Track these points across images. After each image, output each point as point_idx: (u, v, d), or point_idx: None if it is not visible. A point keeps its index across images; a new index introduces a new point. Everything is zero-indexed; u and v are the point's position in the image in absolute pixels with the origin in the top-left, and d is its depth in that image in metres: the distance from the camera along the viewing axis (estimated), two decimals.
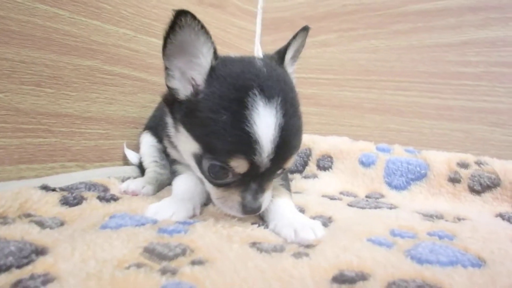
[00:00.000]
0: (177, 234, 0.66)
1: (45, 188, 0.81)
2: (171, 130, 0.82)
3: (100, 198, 0.84)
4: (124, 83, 1.11)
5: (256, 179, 0.70)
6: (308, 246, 0.65)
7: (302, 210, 0.87)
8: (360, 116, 1.41)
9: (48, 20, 0.93)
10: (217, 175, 0.71)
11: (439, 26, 1.27)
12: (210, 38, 0.69)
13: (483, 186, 0.96)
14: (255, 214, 0.74)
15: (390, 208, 0.90)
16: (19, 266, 0.53)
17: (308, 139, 1.28)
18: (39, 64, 0.93)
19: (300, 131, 0.75)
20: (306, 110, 1.49)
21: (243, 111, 0.65)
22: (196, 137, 0.72)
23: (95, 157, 1.08)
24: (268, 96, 0.67)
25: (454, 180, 0.99)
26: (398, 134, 1.34)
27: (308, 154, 1.22)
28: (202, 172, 0.73)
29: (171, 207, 0.78)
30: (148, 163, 1.01)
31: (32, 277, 0.50)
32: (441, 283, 0.52)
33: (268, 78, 0.71)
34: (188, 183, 0.84)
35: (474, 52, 1.22)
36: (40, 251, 0.57)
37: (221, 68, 0.71)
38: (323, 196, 1.00)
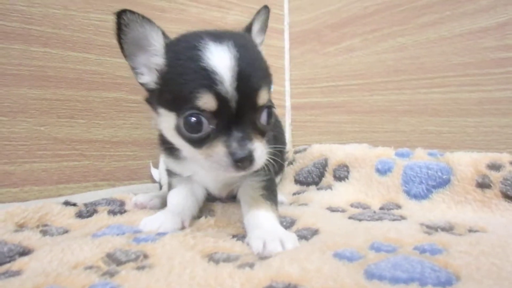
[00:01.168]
0: (144, 243, 0.69)
1: (67, 203, 0.93)
2: (156, 122, 0.82)
3: (110, 212, 0.93)
4: (148, 109, 1.21)
5: (237, 126, 0.66)
6: (263, 257, 0.61)
7: (292, 222, 0.83)
8: (393, 120, 1.28)
9: (78, 63, 1.10)
10: (192, 127, 0.67)
11: (470, 10, 1.10)
12: (154, 23, 0.72)
13: None
14: (249, 170, 0.68)
15: (394, 220, 0.79)
16: (2, 263, 0.63)
17: (325, 148, 1.20)
18: (72, 100, 1.10)
19: (263, 68, 0.73)
20: (338, 119, 1.46)
21: (197, 53, 0.66)
22: (170, 105, 0.71)
23: (124, 176, 1.20)
24: (219, 40, 0.68)
25: (482, 185, 0.82)
26: (438, 137, 1.17)
27: (324, 165, 1.14)
28: (183, 136, 0.69)
29: (159, 219, 0.82)
30: (164, 180, 1.06)
31: (5, 272, 0.59)
32: None
33: (219, 32, 0.73)
34: (179, 196, 0.87)
35: None
36: (25, 253, 0.67)
37: (175, 41, 0.74)
38: (327, 208, 0.93)
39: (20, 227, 0.82)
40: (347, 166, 1.09)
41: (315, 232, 0.75)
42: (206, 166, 0.70)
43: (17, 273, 0.58)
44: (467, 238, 0.63)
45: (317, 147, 1.25)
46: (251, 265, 0.56)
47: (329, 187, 1.07)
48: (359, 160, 1.06)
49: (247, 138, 0.66)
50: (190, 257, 0.62)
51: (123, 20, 0.70)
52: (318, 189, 1.10)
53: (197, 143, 0.69)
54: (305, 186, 1.17)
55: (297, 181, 1.20)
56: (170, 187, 0.91)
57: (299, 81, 1.65)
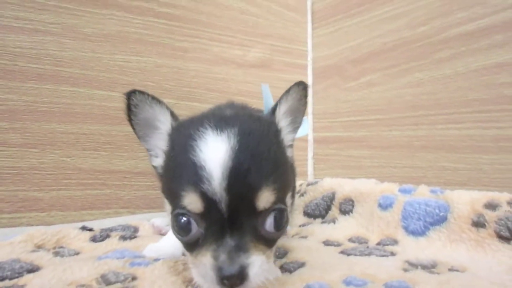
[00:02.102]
0: (138, 266, 0.78)
1: (84, 228, 1.06)
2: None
3: (121, 237, 1.04)
4: None
5: (232, 232, 0.57)
6: None
7: (285, 253, 0.88)
8: (410, 156, 1.30)
9: (103, 101, 1.26)
10: (181, 228, 0.60)
11: (485, 46, 1.13)
12: (164, 104, 0.70)
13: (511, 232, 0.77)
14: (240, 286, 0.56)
15: (382, 256, 0.82)
16: (11, 278, 0.74)
17: (335, 182, 1.23)
18: (96, 134, 1.26)
19: (271, 162, 0.61)
20: (358, 153, 1.51)
21: (191, 143, 0.60)
22: (167, 196, 0.67)
23: (143, 205, 1.32)
24: (221, 127, 0.61)
25: (477, 224, 0.82)
26: (454, 173, 1.17)
27: (331, 198, 1.18)
28: (174, 233, 0.64)
29: (162, 246, 0.90)
30: None
31: (12, 285, 0.70)
32: None
33: (228, 116, 0.68)
34: None
35: None
36: (33, 270, 0.78)
37: (179, 125, 0.70)
38: (323, 241, 0.96)
39: (38, 247, 0.95)
40: (352, 201, 1.12)
41: (301, 265, 0.79)
42: (193, 274, 0.61)
43: (21, 287, 0.69)
44: (440, 277, 0.65)
45: (328, 180, 1.29)
46: None
47: (333, 220, 1.11)
48: (364, 195, 1.09)
49: (241, 249, 0.56)
50: (172, 281, 0.70)
51: (132, 101, 0.68)
52: (322, 222, 1.14)
53: (187, 246, 0.62)
54: (312, 219, 1.21)
55: (306, 213, 1.25)
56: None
57: (322, 115, 1.72)
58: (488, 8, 1.13)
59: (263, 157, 0.60)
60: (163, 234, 1.07)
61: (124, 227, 1.14)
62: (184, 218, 0.59)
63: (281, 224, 0.61)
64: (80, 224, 1.09)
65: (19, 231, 1.01)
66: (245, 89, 1.57)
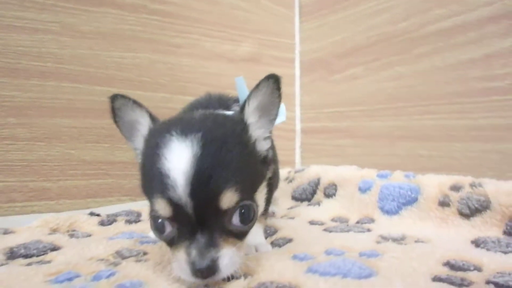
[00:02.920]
0: (147, 244, 0.93)
1: (92, 213, 1.20)
2: None
3: (127, 221, 1.18)
4: None
5: (203, 230, 0.64)
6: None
7: (275, 231, 1.03)
8: (391, 145, 1.46)
9: (102, 96, 1.31)
10: (157, 228, 0.69)
11: (460, 42, 1.27)
12: (144, 107, 0.77)
13: (471, 210, 0.93)
14: (212, 279, 0.64)
15: (359, 232, 0.98)
16: (37, 256, 0.87)
17: (320, 169, 1.41)
18: (98, 128, 1.38)
19: (235, 164, 0.67)
20: (343, 143, 1.66)
21: (157, 151, 0.66)
22: (145, 197, 0.73)
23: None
24: (185, 133, 0.66)
25: (443, 204, 0.99)
26: (429, 161, 1.34)
27: (317, 183, 1.35)
28: (153, 232, 0.73)
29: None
30: None
31: (39, 261, 0.84)
32: (302, 285, 0.65)
33: (194, 120, 0.73)
34: None
35: (499, 64, 1.18)
36: (55, 249, 0.91)
37: (154, 129, 0.75)
38: (309, 221, 1.12)
39: (53, 231, 1.08)
40: (335, 185, 1.29)
41: (288, 240, 0.94)
42: (173, 268, 0.68)
43: (47, 262, 0.82)
44: (406, 247, 0.81)
45: (314, 168, 1.47)
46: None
47: (318, 203, 1.28)
48: (346, 180, 1.25)
49: (211, 245, 0.64)
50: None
51: (115, 104, 0.77)
52: (308, 205, 1.31)
53: (165, 242, 0.71)
54: (299, 202, 1.38)
55: (293, 197, 1.42)
56: None
57: (309, 106, 1.88)
58: (464, 6, 1.27)
59: (225, 160, 0.66)
60: None
61: (128, 213, 1.27)
62: (159, 220, 0.67)
63: (248, 218, 0.69)
64: (87, 211, 1.23)
65: (31, 218, 1.13)
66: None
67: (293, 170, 1.54)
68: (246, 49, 1.77)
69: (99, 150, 1.38)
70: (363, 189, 1.17)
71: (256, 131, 0.77)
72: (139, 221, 1.20)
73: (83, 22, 1.37)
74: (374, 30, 1.55)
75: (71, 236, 1.03)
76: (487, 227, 0.90)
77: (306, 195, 1.36)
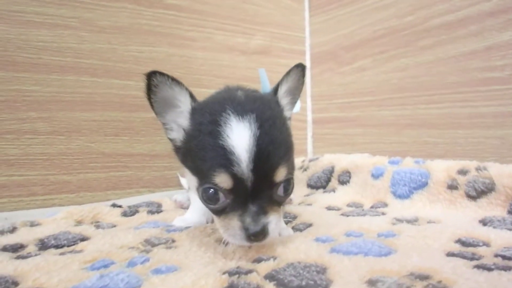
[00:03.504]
0: (173, 232, 0.96)
1: (114, 205, 1.24)
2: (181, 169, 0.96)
3: (149, 212, 1.22)
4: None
5: (253, 200, 0.72)
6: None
7: (295, 217, 1.07)
8: (397, 132, 1.51)
9: (121, 89, 1.41)
10: (210, 199, 0.75)
11: (462, 35, 1.31)
12: (183, 85, 0.81)
13: (477, 192, 0.98)
14: (262, 242, 0.73)
15: (375, 215, 1.03)
16: (68, 246, 0.90)
17: (334, 157, 1.46)
18: (116, 121, 1.41)
19: (284, 144, 0.76)
20: (352, 131, 1.72)
21: (217, 128, 0.72)
22: (192, 170, 0.80)
23: (162, 184, 1.50)
24: (241, 113, 0.73)
25: (452, 187, 1.04)
26: (435, 147, 1.39)
27: (331, 171, 1.40)
28: (202, 202, 0.78)
29: (188, 219, 1.07)
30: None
31: (71, 251, 0.87)
32: (328, 264, 0.69)
33: (244, 101, 0.78)
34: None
35: (499, 56, 1.22)
36: (84, 239, 0.94)
37: (200, 107, 0.81)
38: (326, 207, 1.17)
39: (78, 223, 1.10)
40: (349, 172, 1.33)
41: (309, 225, 0.98)
42: (223, 235, 0.76)
43: (80, 251, 0.85)
44: (420, 227, 0.86)
45: (327, 156, 1.52)
46: (249, 246, 0.79)
47: (333, 190, 1.33)
48: (359, 167, 1.30)
49: (262, 212, 0.71)
50: (206, 241, 0.87)
51: (153, 81, 0.78)
52: (324, 192, 1.36)
53: (215, 212, 0.77)
54: (314, 190, 1.43)
55: (309, 185, 1.47)
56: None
57: (319, 97, 1.92)
58: (465, 1, 1.31)
59: (278, 139, 0.74)
60: (185, 208, 1.26)
61: (148, 204, 1.31)
62: (212, 190, 0.73)
63: (288, 189, 0.78)
64: (109, 203, 1.26)
65: (52, 211, 1.17)
66: (248, 75, 1.73)
67: (307, 159, 1.58)
68: (258, 42, 1.80)
69: (118, 142, 1.42)
70: (376, 175, 1.22)
71: (286, 112, 0.88)
72: (160, 211, 1.24)
73: (101, 17, 1.39)
74: (381, 24, 1.58)
75: (97, 227, 1.06)
76: (492, 207, 0.96)
77: (321, 183, 1.41)
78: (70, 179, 1.34)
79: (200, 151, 0.75)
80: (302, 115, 1.97)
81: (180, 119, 0.82)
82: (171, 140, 0.87)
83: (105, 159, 1.40)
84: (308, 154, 1.96)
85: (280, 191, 0.76)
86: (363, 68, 1.66)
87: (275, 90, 0.86)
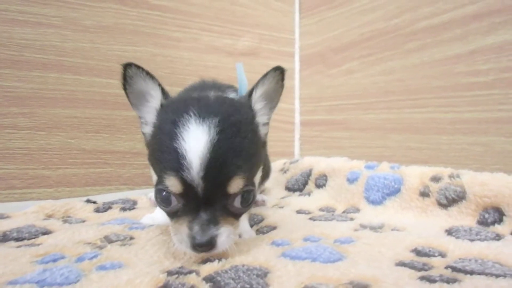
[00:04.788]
0: (135, 230, 0.94)
1: (88, 200, 1.23)
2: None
3: (122, 209, 1.20)
4: None
5: (206, 207, 0.68)
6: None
7: (262, 219, 1.05)
8: (383, 137, 1.46)
9: (102, 88, 1.41)
10: (162, 200, 0.72)
11: (447, 38, 1.27)
12: (156, 80, 0.78)
13: (448, 200, 0.93)
14: (210, 253, 0.70)
15: (342, 221, 0.98)
16: (29, 239, 0.89)
17: (313, 160, 1.42)
18: (98, 118, 1.40)
19: (245, 153, 0.71)
20: (339, 135, 1.67)
21: (175, 130, 0.69)
22: (153, 168, 0.77)
23: (141, 182, 1.49)
24: (203, 116, 0.69)
25: (424, 194, 0.99)
26: (419, 153, 1.34)
27: (309, 174, 1.36)
28: (156, 202, 0.76)
29: (155, 215, 1.06)
30: None
31: (30, 244, 0.86)
32: (272, 268, 0.66)
33: (210, 103, 0.75)
34: None
35: (482, 60, 1.18)
36: (47, 233, 0.93)
37: (168, 104, 0.78)
38: (296, 210, 1.13)
39: (49, 217, 1.10)
40: (326, 176, 1.29)
41: (273, 228, 0.95)
42: (173, 239, 0.72)
43: (37, 245, 0.83)
44: (381, 234, 0.82)
45: (307, 159, 1.48)
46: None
47: (309, 193, 1.29)
48: (336, 171, 1.26)
49: (212, 222, 0.68)
50: (163, 240, 0.85)
51: (128, 73, 0.76)
52: (300, 195, 1.32)
53: (168, 214, 0.75)
54: (291, 192, 1.40)
55: (287, 188, 1.44)
56: None
57: (308, 100, 1.88)
58: (450, 4, 1.27)
59: (238, 148, 0.70)
60: None
61: (124, 201, 1.29)
62: (165, 193, 0.70)
63: (248, 201, 0.73)
64: (83, 198, 1.25)
65: (30, 204, 1.16)
66: (235, 76, 1.66)
67: (289, 161, 1.55)
68: (246, 43, 1.78)
69: (98, 140, 1.41)
70: (351, 180, 1.17)
71: (260, 117, 0.82)
72: (133, 208, 1.22)
73: (85, 17, 1.39)
74: (368, 26, 1.55)
75: (65, 221, 1.05)
76: (463, 216, 0.90)
77: (298, 186, 1.37)
78: (49, 174, 1.33)
79: (157, 151, 0.72)
80: (290, 117, 1.95)
81: (149, 115, 0.80)
82: (143, 134, 0.84)
83: (85, 156, 1.39)
84: (295, 157, 1.92)
85: (237, 202, 0.72)
86: (351, 71, 1.63)
87: (250, 93, 0.81)
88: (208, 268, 0.67)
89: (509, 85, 1.11)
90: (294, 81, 1.95)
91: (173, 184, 0.68)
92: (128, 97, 0.80)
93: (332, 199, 1.20)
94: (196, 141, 0.67)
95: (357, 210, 1.10)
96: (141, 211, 1.19)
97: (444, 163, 1.21)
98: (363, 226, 0.91)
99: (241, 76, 0.97)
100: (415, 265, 0.65)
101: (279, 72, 0.81)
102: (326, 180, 1.28)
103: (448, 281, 0.57)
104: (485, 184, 0.88)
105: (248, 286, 0.60)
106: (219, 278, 0.63)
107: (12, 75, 1.27)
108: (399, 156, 1.39)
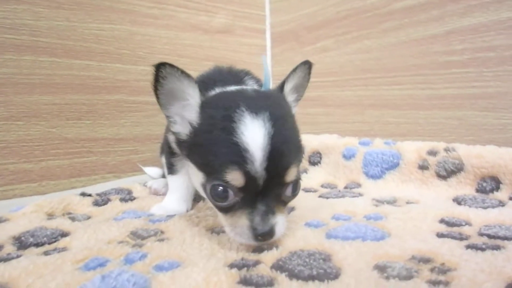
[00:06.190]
0: (159, 222, 0.91)
1: (83, 194, 1.13)
2: (184, 161, 0.91)
3: (121, 200, 1.14)
4: (146, 108, 1.42)
5: (262, 199, 0.70)
6: None
7: None
8: (361, 113, 1.53)
9: (82, 70, 1.28)
10: (219, 196, 0.71)
11: (424, 19, 1.34)
12: (192, 79, 0.75)
13: (448, 172, 1.04)
14: (270, 241, 0.71)
15: (353, 197, 1.04)
16: (49, 243, 0.81)
17: (302, 138, 1.44)
18: (79, 104, 1.29)
19: (296, 143, 0.76)
20: (314, 111, 1.71)
21: (232, 125, 0.69)
22: (199, 166, 0.76)
23: (128, 169, 1.42)
24: (255, 111, 0.70)
25: (423, 167, 1.08)
26: (397, 127, 1.44)
27: None
28: (209, 199, 0.75)
29: (168, 207, 1.01)
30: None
31: (54, 249, 0.79)
32: (331, 250, 0.69)
33: (256, 98, 0.76)
34: (181, 186, 1.04)
35: (458, 40, 1.27)
36: (64, 234, 0.86)
37: (210, 101, 0.77)
38: (302, 189, 1.16)
39: (50, 215, 1.01)
40: (320, 153, 1.34)
41: (292, 209, 0.98)
42: (229, 234, 0.73)
43: (64, 249, 0.77)
44: (403, 209, 0.88)
45: None
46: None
47: (305, 171, 1.33)
48: (330, 148, 1.31)
49: (270, 212, 0.69)
50: (197, 230, 0.84)
51: (161, 73, 0.73)
52: None
53: (222, 209, 0.74)
54: None
55: None
56: (170, 168, 1.05)
57: (280, 77, 1.78)
58: None
59: (290, 139, 0.74)
60: (160, 195, 1.19)
61: (118, 190, 1.22)
62: (221, 188, 0.70)
63: (296, 189, 0.76)
64: (74, 192, 1.16)
65: (14, 202, 1.07)
66: (211, 54, 1.66)
67: None
68: (221, 20, 1.72)
69: (81, 127, 1.30)
70: (348, 156, 1.23)
71: (293, 108, 0.87)
72: (133, 198, 1.16)
73: None
74: (344, 5, 1.57)
75: (72, 219, 0.97)
76: (462, 186, 1.01)
77: None
78: (31, 168, 1.21)
79: (212, 146, 0.71)
80: None
81: (187, 113, 0.77)
82: (175, 133, 0.81)
83: (67, 145, 1.28)
84: None
85: (289, 191, 0.74)
86: (326, 49, 1.65)
87: (282, 86, 0.83)
88: (270, 257, 0.68)
89: (483, 64, 1.22)
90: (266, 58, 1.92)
91: (235, 177, 0.68)
92: (157, 97, 0.77)
93: (330, 176, 1.25)
94: (256, 134, 0.68)
95: (358, 185, 1.16)
96: (144, 200, 1.14)
97: (421, 136, 1.33)
98: (379, 201, 0.97)
99: (266, 68, 0.98)
100: (453, 235, 0.71)
101: (308, 66, 0.86)
102: (320, 158, 1.32)
103: (494, 248, 0.64)
104: (481, 156, 0.98)
105: (322, 271, 0.61)
106: (289, 266, 0.64)
107: None
108: (377, 131, 1.47)
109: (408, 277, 0.57)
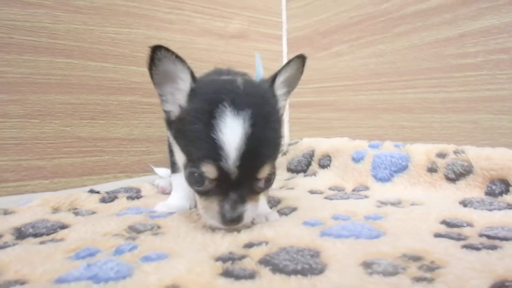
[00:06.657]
0: (158, 218, 0.91)
1: (92, 191, 1.16)
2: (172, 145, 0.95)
3: (128, 197, 1.15)
4: (159, 110, 1.39)
5: (235, 188, 0.74)
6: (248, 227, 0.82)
7: (278, 202, 1.04)
8: (375, 117, 1.50)
9: (97, 72, 1.32)
10: (195, 181, 0.76)
11: (436, 22, 1.31)
12: (186, 64, 0.78)
13: (456, 174, 0.99)
14: (237, 226, 0.76)
15: (358, 198, 1.01)
16: (48, 234, 0.83)
17: (313, 141, 1.44)
18: (93, 104, 1.32)
19: (272, 143, 0.79)
20: (328, 116, 1.69)
21: (213, 120, 0.72)
22: (182, 148, 0.81)
23: (139, 169, 1.43)
24: (238, 108, 0.72)
25: (431, 170, 1.04)
26: (411, 131, 1.39)
27: (311, 155, 1.38)
28: (187, 180, 0.79)
29: (171, 204, 1.02)
30: None
31: (52, 239, 0.80)
32: (321, 247, 0.66)
33: (242, 93, 0.77)
34: (184, 184, 1.00)
35: (471, 43, 1.22)
36: (64, 227, 0.88)
37: (200, 88, 0.79)
38: (309, 191, 1.14)
39: (55, 210, 1.03)
40: (329, 156, 1.31)
41: (293, 209, 0.95)
42: (203, 215, 0.79)
43: (61, 240, 0.78)
44: (405, 209, 0.85)
45: (306, 140, 1.49)
46: (238, 231, 0.77)
47: (314, 173, 1.30)
48: (339, 151, 1.28)
49: (240, 201, 0.74)
50: (193, 227, 0.83)
51: (157, 55, 0.76)
52: (305, 175, 1.33)
53: (198, 192, 0.79)
54: (295, 174, 1.41)
55: (289, 169, 1.44)
56: (173, 167, 1.07)
57: None
58: None
59: (268, 139, 0.76)
60: (167, 194, 1.19)
61: (127, 189, 1.24)
62: (197, 174, 0.75)
63: (269, 182, 0.80)
64: (84, 189, 1.18)
65: (25, 198, 1.09)
66: (226, 59, 1.67)
67: (286, 143, 1.56)
68: (236, 25, 1.73)
69: (94, 126, 1.33)
70: (357, 159, 1.20)
71: (281, 102, 0.87)
72: (140, 197, 1.17)
73: None
74: (357, 11, 1.56)
75: (76, 214, 0.99)
76: (471, 188, 0.96)
77: (301, 167, 1.38)
78: (44, 165, 1.24)
79: (192, 137, 0.75)
80: None
81: (178, 96, 0.81)
82: (165, 112, 0.85)
83: (80, 144, 1.31)
84: (285, 138, 1.93)
85: (261, 183, 0.78)
86: (340, 54, 1.64)
87: (273, 79, 0.84)
88: (258, 252, 0.66)
89: (496, 66, 1.17)
90: (282, 64, 1.91)
91: (209, 170, 0.73)
92: (152, 77, 0.80)
93: (339, 178, 1.22)
94: (233, 133, 0.71)
95: (366, 188, 1.13)
96: (150, 199, 1.15)
97: (435, 140, 1.28)
98: (383, 203, 0.93)
99: (258, 65, 1.00)
100: (451, 235, 0.68)
101: (301, 59, 0.86)
102: (330, 160, 1.30)
103: (490, 247, 0.61)
104: (490, 158, 0.94)
105: (307, 266, 0.60)
106: (275, 261, 0.62)
107: (1, 59, 1.16)
108: (391, 135, 1.43)
109: (393, 273, 0.54)
